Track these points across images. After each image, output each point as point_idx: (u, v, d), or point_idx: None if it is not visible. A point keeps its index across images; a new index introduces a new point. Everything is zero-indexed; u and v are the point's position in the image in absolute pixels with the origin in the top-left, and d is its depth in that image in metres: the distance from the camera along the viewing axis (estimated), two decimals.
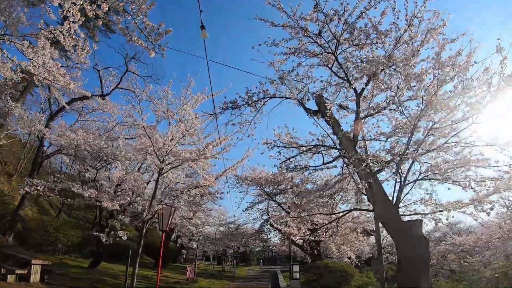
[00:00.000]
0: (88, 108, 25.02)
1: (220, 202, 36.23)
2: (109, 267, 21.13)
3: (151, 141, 13.30)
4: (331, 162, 11.42)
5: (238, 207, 26.50)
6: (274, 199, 24.13)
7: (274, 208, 26.49)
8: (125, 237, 11.59)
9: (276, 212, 25.70)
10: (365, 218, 22.59)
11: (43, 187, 12.70)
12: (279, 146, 11.38)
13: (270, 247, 56.37)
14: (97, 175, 16.29)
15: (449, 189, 9.20)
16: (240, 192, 24.69)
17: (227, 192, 20.26)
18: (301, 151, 11.93)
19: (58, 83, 11.48)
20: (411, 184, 9.78)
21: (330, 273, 15.75)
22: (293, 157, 12.03)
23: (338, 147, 10.89)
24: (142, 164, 16.20)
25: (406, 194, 9.49)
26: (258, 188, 24.36)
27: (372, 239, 35.97)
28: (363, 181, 9.34)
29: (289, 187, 23.41)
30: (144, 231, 13.31)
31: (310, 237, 13.96)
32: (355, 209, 11.91)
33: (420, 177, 9.30)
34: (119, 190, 15.44)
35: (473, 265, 26.57)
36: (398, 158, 8.85)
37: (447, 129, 9.33)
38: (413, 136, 8.40)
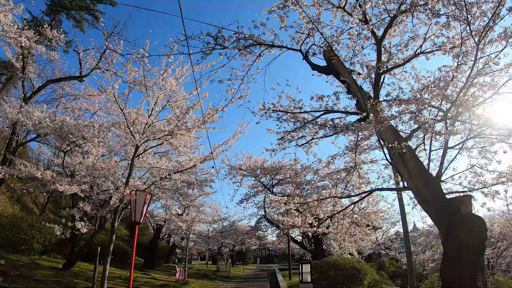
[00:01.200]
0: (69, 95, 22.55)
1: (212, 196, 33.39)
2: (88, 268, 18.31)
3: (123, 113, 10.65)
4: (345, 130, 8.80)
5: (231, 199, 22.96)
6: (271, 190, 21.20)
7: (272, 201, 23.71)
8: (85, 230, 8.88)
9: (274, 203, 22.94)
10: (376, 208, 19.86)
11: (2, 173, 10.68)
12: (279, 111, 8.79)
13: (267, 245, 53.52)
14: (66, 159, 13.50)
15: (505, 152, 6.64)
16: (234, 183, 21.88)
17: (212, 167, 16.66)
18: (305, 122, 9.33)
19: (9, 35, 9.14)
20: (450, 152, 7.23)
21: (339, 271, 13.11)
22: (295, 129, 9.43)
23: (354, 111, 8.36)
24: (116, 146, 13.52)
25: (451, 162, 6.92)
26: (254, 178, 21.53)
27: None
28: (393, 148, 6.79)
29: (288, 176, 20.68)
30: (116, 224, 10.62)
31: (318, 229, 11.35)
32: (379, 189, 9.32)
33: (470, 136, 6.72)
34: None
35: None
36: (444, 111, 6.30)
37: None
38: (475, 65, 5.74)
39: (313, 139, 9.14)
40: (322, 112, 8.99)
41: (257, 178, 21.14)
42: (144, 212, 9.25)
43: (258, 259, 51.09)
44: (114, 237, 10.52)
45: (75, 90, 22.05)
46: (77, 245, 16.44)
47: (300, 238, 33.93)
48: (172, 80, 11.42)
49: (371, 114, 6.80)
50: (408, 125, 7.03)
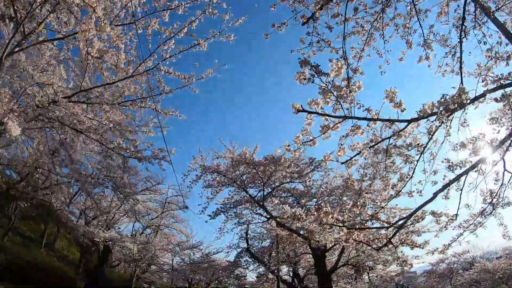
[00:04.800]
0: None
1: (184, 223, 25.35)
2: None
3: None
4: None
5: (202, 211, 13.45)
6: (262, 203, 13.60)
7: (258, 221, 16.24)
8: None
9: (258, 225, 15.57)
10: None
11: None
12: None
13: (245, 286, 43.83)
14: None
15: None
16: (206, 188, 13.78)
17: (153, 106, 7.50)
18: None
19: None
20: None
21: None
22: None
23: None
24: None
25: None
26: (236, 186, 13.78)
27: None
28: None
29: (287, 180, 13.22)
30: None
31: (386, 245, 4.71)
32: None
33: None
34: None
35: None
36: None
37: None
38: None
39: None
40: None
41: (242, 186, 13.53)
42: None
43: None
44: None
45: None
46: None
47: (288, 277, 26.01)
48: None
49: None
50: None
